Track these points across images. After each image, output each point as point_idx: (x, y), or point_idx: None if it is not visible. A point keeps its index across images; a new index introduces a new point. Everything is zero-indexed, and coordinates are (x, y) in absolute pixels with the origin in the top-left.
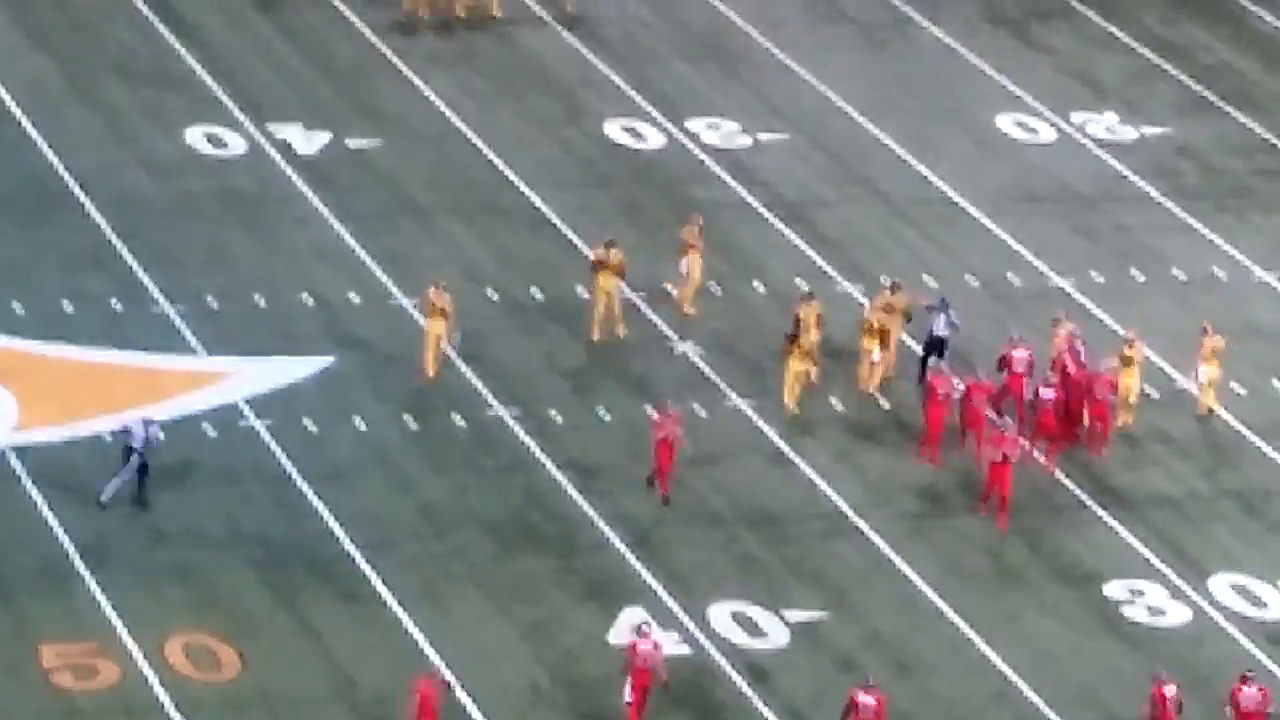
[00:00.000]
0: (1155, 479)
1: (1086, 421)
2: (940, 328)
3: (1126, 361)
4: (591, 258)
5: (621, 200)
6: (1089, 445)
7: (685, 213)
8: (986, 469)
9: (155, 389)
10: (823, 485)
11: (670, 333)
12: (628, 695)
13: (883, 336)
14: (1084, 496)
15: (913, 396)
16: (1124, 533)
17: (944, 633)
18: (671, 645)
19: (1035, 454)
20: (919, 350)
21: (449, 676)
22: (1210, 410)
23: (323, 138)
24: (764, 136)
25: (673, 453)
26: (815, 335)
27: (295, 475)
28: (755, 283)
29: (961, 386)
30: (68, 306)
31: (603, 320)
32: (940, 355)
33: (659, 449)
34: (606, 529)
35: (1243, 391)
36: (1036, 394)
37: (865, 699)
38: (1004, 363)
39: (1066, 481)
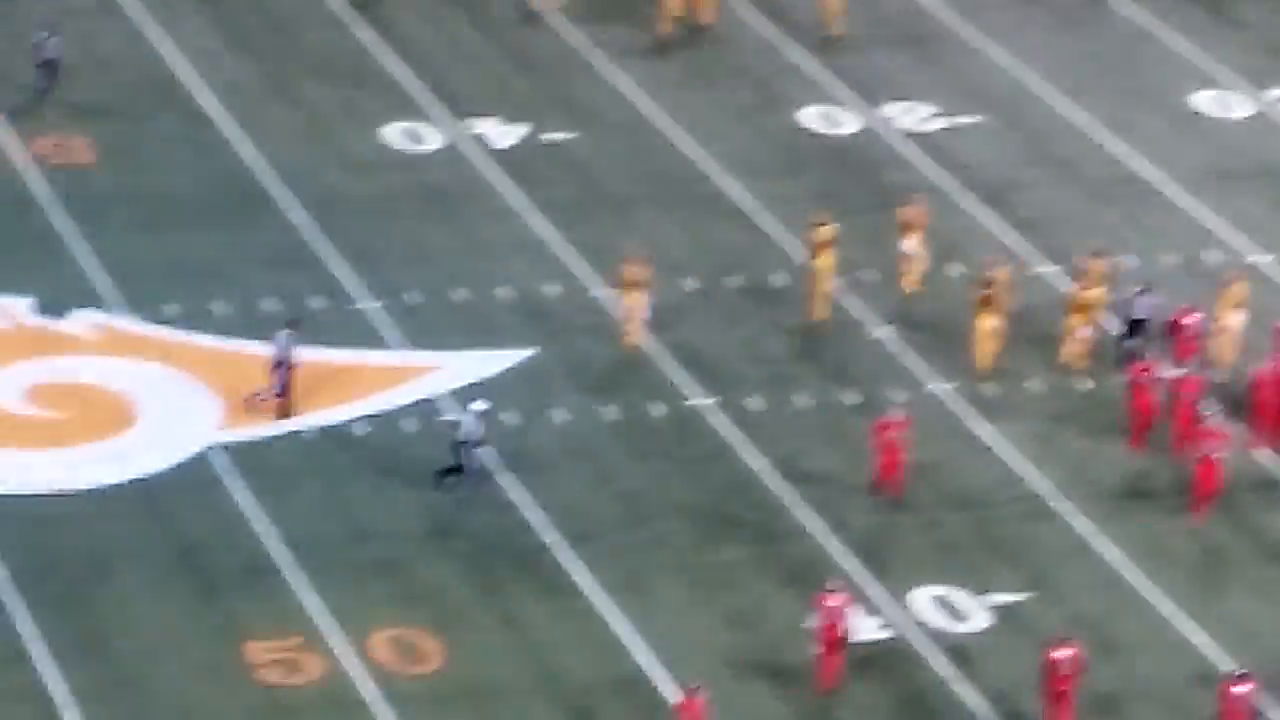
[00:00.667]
0: None
1: None
2: (1141, 310)
3: None
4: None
5: (817, 186)
6: None
7: (883, 197)
8: (1197, 464)
9: (357, 385)
10: (1022, 468)
11: (868, 318)
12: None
13: (1087, 309)
14: None
15: (1113, 378)
16: None
17: (1146, 613)
18: (873, 630)
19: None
20: (1121, 330)
21: (658, 668)
22: None
23: (519, 131)
24: (959, 119)
25: (898, 454)
26: (1006, 298)
27: (497, 467)
28: (954, 266)
29: (1169, 376)
30: (268, 306)
31: (819, 299)
32: (1142, 338)
33: (883, 451)
34: (806, 516)
35: None
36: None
37: (1061, 653)
38: (1174, 328)
39: (1271, 459)
